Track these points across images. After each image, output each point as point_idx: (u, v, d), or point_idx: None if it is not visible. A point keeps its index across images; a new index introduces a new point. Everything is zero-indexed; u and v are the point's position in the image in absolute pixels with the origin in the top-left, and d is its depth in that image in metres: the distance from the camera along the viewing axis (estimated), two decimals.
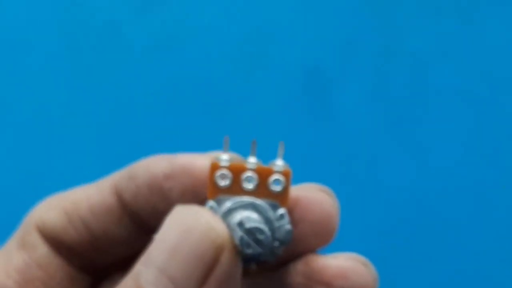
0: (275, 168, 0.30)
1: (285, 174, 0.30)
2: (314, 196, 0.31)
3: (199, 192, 0.31)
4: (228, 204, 0.30)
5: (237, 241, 0.27)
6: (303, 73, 0.75)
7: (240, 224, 0.28)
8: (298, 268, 0.32)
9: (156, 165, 0.31)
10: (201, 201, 0.32)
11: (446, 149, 0.74)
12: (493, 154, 0.75)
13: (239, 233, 0.28)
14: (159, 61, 0.75)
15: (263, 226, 0.28)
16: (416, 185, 0.73)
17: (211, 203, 0.30)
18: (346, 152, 0.73)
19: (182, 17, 0.76)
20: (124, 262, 0.34)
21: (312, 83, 0.75)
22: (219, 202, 0.30)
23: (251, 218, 0.28)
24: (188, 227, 0.27)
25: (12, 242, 0.34)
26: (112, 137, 0.72)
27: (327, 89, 0.75)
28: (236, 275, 0.28)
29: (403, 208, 0.74)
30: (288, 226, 0.30)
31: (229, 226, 0.28)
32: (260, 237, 0.28)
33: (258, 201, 0.30)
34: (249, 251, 0.28)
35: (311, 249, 0.32)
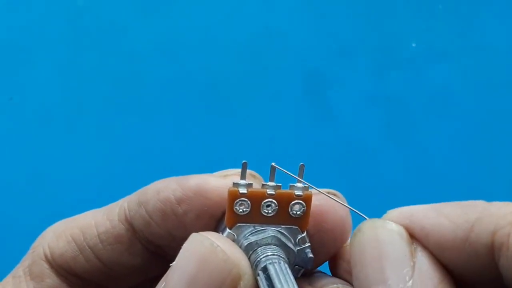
0: (296, 192, 0.29)
1: (306, 199, 0.29)
2: (326, 204, 0.30)
3: (214, 214, 0.30)
4: (248, 235, 0.29)
5: None
6: (304, 75, 0.75)
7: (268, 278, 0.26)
8: None
9: (166, 189, 0.30)
10: (217, 222, 0.31)
11: (444, 149, 0.74)
12: (492, 154, 0.74)
13: None
14: (162, 64, 0.74)
15: None
16: (414, 183, 0.73)
17: (228, 231, 0.29)
18: (346, 151, 0.73)
19: (186, 21, 0.75)
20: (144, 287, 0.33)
21: (312, 85, 0.75)
22: (238, 230, 0.29)
23: (279, 273, 0.26)
24: (205, 258, 0.26)
25: (20, 270, 0.33)
26: (115, 138, 0.71)
27: (326, 91, 0.75)
28: None
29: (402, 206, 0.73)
30: (309, 254, 0.29)
31: (252, 263, 0.28)
32: None
33: (279, 230, 0.29)
34: None
35: (329, 254, 0.31)
